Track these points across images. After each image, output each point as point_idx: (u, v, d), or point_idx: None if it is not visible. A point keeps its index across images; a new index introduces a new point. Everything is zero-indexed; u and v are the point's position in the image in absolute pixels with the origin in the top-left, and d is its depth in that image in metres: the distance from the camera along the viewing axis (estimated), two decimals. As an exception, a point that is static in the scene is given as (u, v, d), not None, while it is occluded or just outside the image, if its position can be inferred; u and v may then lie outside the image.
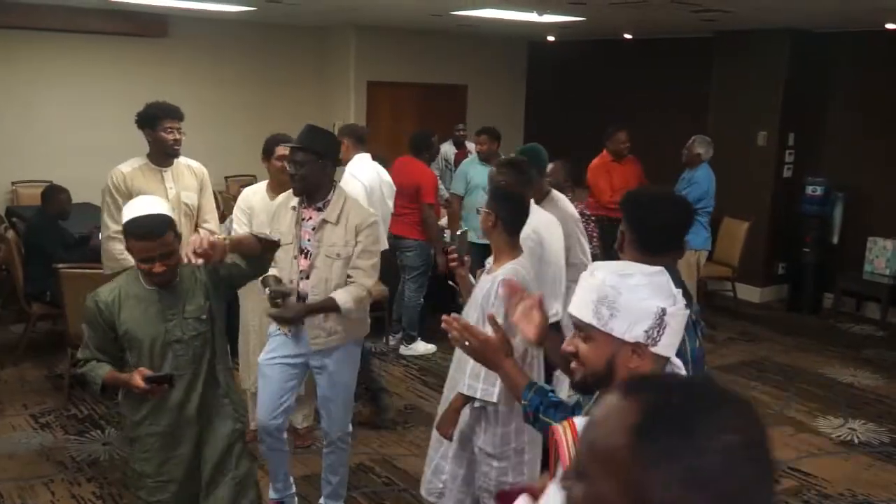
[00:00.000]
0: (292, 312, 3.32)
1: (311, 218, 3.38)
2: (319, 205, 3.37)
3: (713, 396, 0.91)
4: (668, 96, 8.84)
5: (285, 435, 3.64)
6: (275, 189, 4.26)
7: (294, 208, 3.40)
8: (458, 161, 7.44)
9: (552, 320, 2.57)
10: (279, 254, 3.25)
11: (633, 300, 1.54)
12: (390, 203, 5.36)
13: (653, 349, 1.56)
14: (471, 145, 7.53)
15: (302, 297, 3.38)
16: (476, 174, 6.13)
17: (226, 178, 8.73)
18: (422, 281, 6.10)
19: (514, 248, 3.03)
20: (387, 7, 7.09)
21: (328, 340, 3.42)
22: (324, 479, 3.74)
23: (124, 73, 8.15)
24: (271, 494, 3.72)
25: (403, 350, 6.16)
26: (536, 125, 10.60)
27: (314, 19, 8.76)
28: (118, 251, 3.81)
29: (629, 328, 1.54)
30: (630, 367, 1.55)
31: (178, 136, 4.10)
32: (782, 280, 8.06)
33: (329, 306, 3.30)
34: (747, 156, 7.79)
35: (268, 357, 3.51)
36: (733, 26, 7.58)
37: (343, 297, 3.29)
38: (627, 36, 8.82)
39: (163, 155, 4.13)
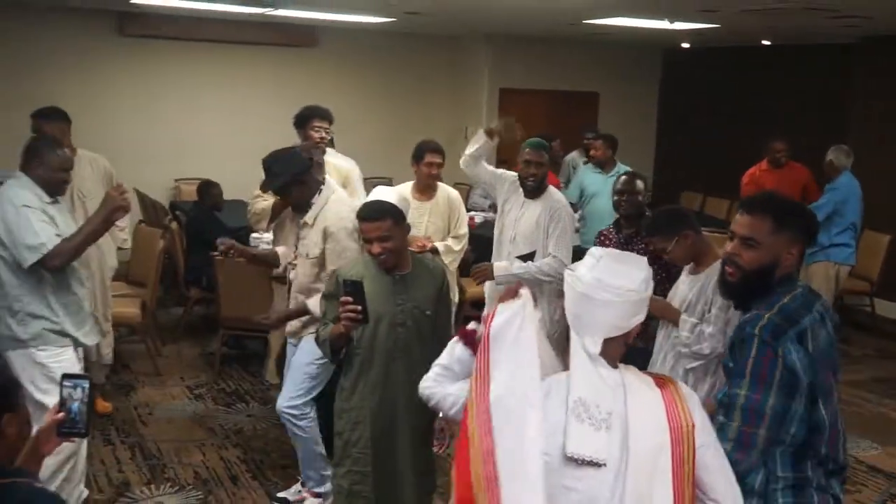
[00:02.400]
0: (273, 319, 3.76)
1: (302, 218, 3.71)
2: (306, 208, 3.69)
3: None
4: (807, 103, 8.60)
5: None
6: (421, 191, 4.65)
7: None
8: (590, 167, 7.51)
9: None
10: (282, 250, 3.86)
11: None
12: None
13: None
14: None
15: (289, 285, 3.78)
16: (592, 181, 6.21)
17: (363, 179, 9.21)
18: None
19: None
20: (519, 17, 7.32)
21: (291, 331, 3.78)
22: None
23: (276, 81, 8.79)
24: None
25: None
26: (670, 132, 10.54)
27: (450, 29, 9.12)
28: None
29: None
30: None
31: (324, 136, 4.53)
32: (925, 296, 7.68)
33: (301, 311, 3.64)
34: (889, 166, 7.48)
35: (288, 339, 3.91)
36: (877, 32, 7.31)
37: (313, 303, 3.52)
38: (765, 42, 8.65)
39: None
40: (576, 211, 6.18)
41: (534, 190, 4.22)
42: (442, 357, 2.24)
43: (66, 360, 3.39)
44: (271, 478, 4.22)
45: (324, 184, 3.73)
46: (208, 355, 5.98)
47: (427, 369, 3.05)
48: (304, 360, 3.72)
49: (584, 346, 1.84)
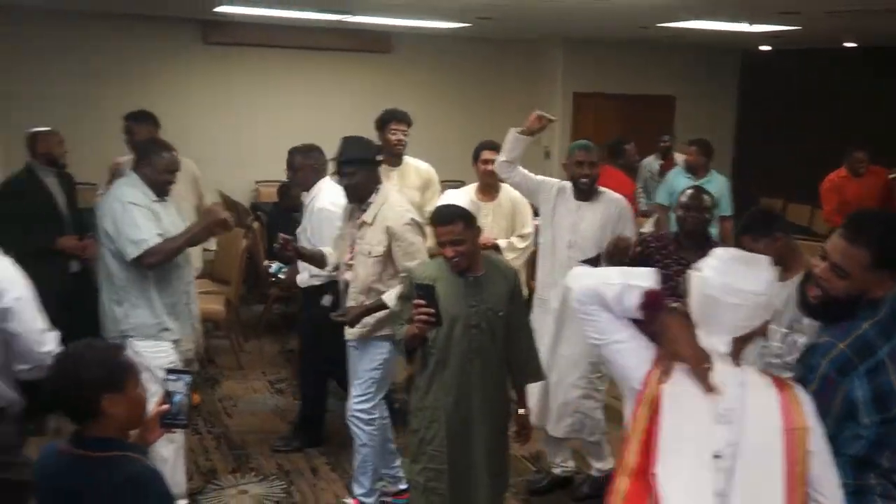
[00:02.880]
0: (351, 316, 3.66)
1: (359, 217, 3.70)
2: (364, 206, 3.69)
3: None
4: (894, 107, 8.35)
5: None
6: (482, 191, 4.67)
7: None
8: (663, 172, 7.43)
9: None
10: (339, 242, 3.86)
11: None
12: None
13: None
14: (679, 157, 7.54)
15: (345, 286, 3.75)
16: (681, 185, 6.15)
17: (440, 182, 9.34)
18: None
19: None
20: (593, 20, 7.31)
21: (359, 332, 3.73)
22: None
23: (351, 87, 8.99)
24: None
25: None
26: (748, 136, 10.35)
27: (523, 33, 9.16)
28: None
29: None
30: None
31: (401, 138, 4.65)
32: None
33: (378, 306, 3.62)
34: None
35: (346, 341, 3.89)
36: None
37: (389, 297, 3.57)
38: (849, 44, 8.43)
39: (389, 154, 4.68)
40: (667, 216, 6.13)
41: (587, 191, 3.98)
42: (609, 284, 1.99)
43: (164, 353, 3.55)
44: (349, 470, 4.33)
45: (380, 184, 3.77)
46: (288, 352, 6.17)
47: (502, 369, 3.14)
48: (369, 365, 3.77)
49: (713, 345, 1.90)
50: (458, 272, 3.02)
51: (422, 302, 2.86)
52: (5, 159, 7.26)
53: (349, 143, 3.72)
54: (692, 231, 3.71)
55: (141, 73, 8.17)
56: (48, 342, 2.73)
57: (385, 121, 4.66)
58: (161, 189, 3.63)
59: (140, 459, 2.02)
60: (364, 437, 3.80)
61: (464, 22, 7.70)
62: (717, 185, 5.99)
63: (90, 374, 1.95)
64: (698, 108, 10.02)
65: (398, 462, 4.02)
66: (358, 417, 3.79)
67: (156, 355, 3.51)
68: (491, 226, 4.59)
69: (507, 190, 4.67)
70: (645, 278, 1.97)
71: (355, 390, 3.82)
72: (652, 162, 7.82)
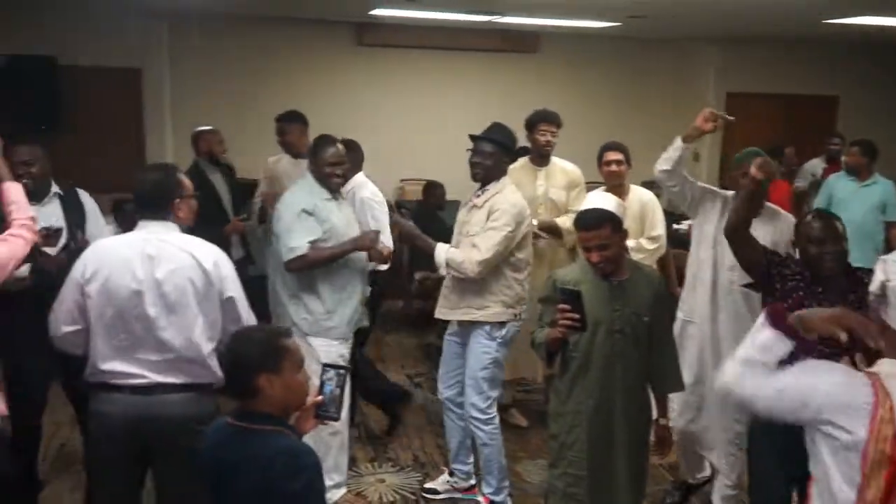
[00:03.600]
0: (406, 227, 3.90)
1: (473, 201, 3.80)
2: (479, 191, 3.77)
3: None
4: None
5: (460, 409, 3.95)
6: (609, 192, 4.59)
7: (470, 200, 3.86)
8: (826, 176, 7.03)
9: None
10: (463, 241, 3.79)
11: None
12: None
13: None
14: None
15: None
16: (842, 187, 5.81)
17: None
18: None
19: None
20: (751, 17, 7.00)
21: (449, 314, 3.84)
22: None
23: (498, 87, 9.02)
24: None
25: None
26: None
27: (675, 32, 8.89)
28: None
29: None
30: None
31: (549, 139, 4.65)
32: None
33: (429, 248, 3.76)
34: None
35: (447, 333, 4.01)
36: None
37: (441, 250, 3.70)
38: None
39: (537, 155, 4.69)
40: None
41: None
42: (743, 348, 1.95)
43: (335, 351, 3.69)
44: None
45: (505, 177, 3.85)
46: (426, 346, 6.30)
47: (643, 375, 3.06)
48: (478, 366, 3.80)
49: None
50: (603, 276, 2.99)
51: (567, 307, 2.83)
52: (174, 157, 7.85)
53: (498, 126, 3.85)
54: (832, 272, 2.94)
55: (297, 74, 8.56)
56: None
57: (534, 121, 4.68)
58: (329, 183, 3.74)
59: (293, 435, 2.14)
60: (484, 436, 3.84)
61: (614, 21, 7.57)
62: (883, 188, 5.72)
63: (248, 353, 2.10)
64: (865, 109, 9.35)
65: (471, 459, 4.07)
66: (475, 418, 3.83)
67: (326, 351, 3.64)
68: None
69: (636, 191, 4.62)
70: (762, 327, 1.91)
71: (469, 393, 3.84)
72: (816, 165, 7.37)
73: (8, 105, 6.92)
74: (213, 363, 2.76)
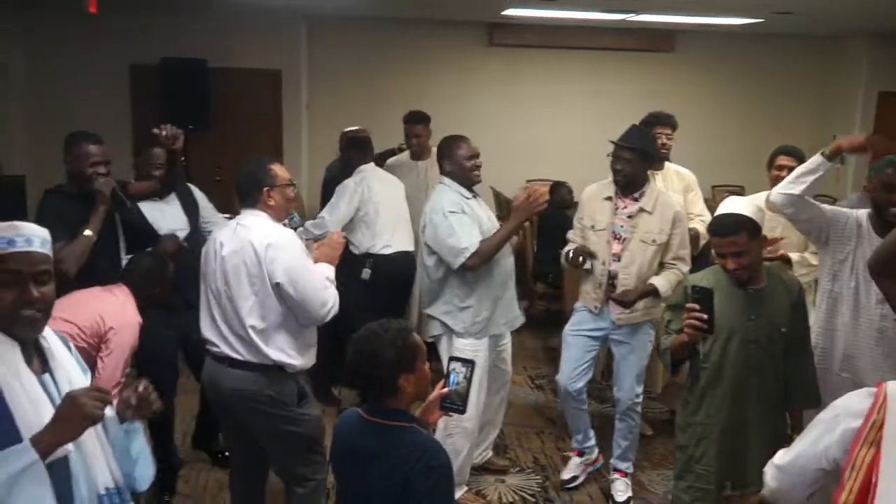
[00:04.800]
0: (632, 297, 3.74)
1: (625, 206, 3.81)
2: (635, 195, 3.80)
3: None
4: None
5: (584, 396, 4.10)
6: None
7: (610, 199, 3.84)
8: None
9: None
10: (592, 237, 3.85)
11: None
12: None
13: None
14: None
15: (612, 277, 3.83)
16: None
17: (713, 186, 8.90)
18: None
19: None
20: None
21: (630, 317, 3.84)
22: (615, 442, 4.08)
23: (631, 87, 8.83)
24: (573, 444, 4.27)
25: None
26: None
27: (822, 28, 8.42)
28: None
29: None
30: None
31: (665, 141, 4.50)
32: None
33: (651, 291, 3.75)
34: None
35: (573, 329, 4.03)
36: None
37: (662, 282, 3.74)
38: None
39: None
40: None
41: None
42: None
43: (480, 352, 3.72)
44: (605, 475, 4.30)
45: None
46: (549, 349, 6.25)
47: (779, 388, 2.91)
48: (641, 355, 3.97)
49: None
50: (738, 284, 2.87)
51: (695, 306, 2.74)
52: (309, 154, 8.14)
53: (636, 131, 3.89)
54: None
55: (426, 74, 8.71)
56: (328, 301, 3.00)
57: (649, 124, 4.54)
58: (467, 180, 3.81)
59: (424, 432, 2.19)
60: (636, 424, 4.05)
61: (756, 17, 7.25)
62: None
63: (388, 357, 2.13)
64: None
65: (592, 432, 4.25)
66: (636, 407, 4.00)
67: (475, 353, 3.66)
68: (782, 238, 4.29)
69: None
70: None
71: (633, 385, 3.97)
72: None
73: (162, 104, 7.42)
74: (262, 345, 2.95)
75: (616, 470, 4.10)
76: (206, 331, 3.07)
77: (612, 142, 3.85)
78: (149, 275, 3.40)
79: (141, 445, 2.04)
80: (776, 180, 3.99)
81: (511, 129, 8.87)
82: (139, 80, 7.85)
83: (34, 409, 1.74)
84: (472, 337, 3.76)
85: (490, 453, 4.35)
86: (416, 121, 5.39)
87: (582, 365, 4.00)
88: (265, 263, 2.90)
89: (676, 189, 4.60)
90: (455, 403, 2.31)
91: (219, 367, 3.03)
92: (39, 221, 1.98)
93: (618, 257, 3.83)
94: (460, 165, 3.79)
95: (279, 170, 3.07)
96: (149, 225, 3.80)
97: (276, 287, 2.92)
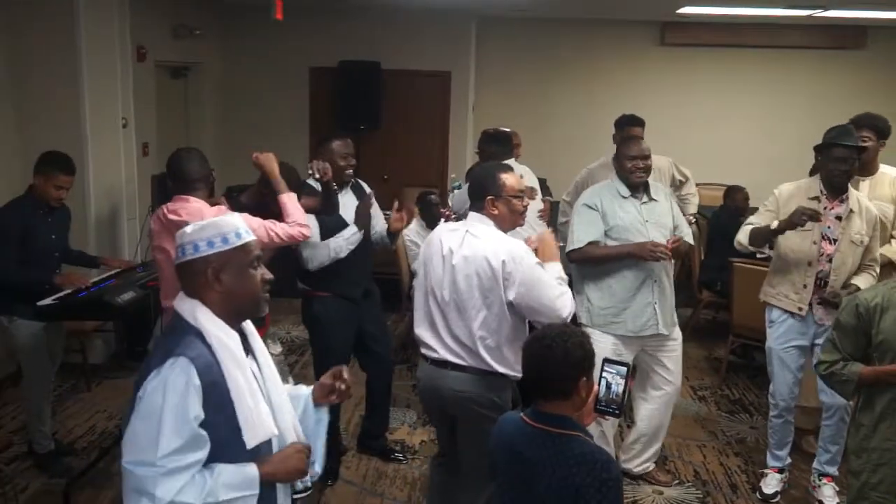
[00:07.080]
0: (843, 297, 3.43)
1: (832, 208, 3.76)
2: (842, 197, 3.75)
3: None
4: None
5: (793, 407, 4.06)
6: None
7: (816, 198, 3.77)
8: None
9: None
10: (793, 237, 3.75)
11: None
12: None
13: None
14: None
15: (822, 279, 3.76)
16: None
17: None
18: None
19: None
20: None
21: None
22: (821, 447, 3.99)
23: (814, 86, 8.32)
24: (772, 462, 4.13)
25: None
26: None
27: None
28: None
29: None
30: None
31: (866, 146, 4.00)
32: None
33: (855, 292, 3.49)
34: None
35: (782, 345, 3.92)
36: None
37: (863, 283, 3.67)
38: None
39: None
40: None
41: None
42: None
43: (602, 345, 3.69)
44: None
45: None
46: (713, 360, 6.00)
47: None
48: None
49: None
50: None
51: None
52: (472, 156, 8.22)
53: (843, 130, 3.77)
54: None
55: (594, 75, 8.58)
56: (564, 309, 2.88)
57: (858, 125, 4.20)
58: (630, 179, 3.78)
59: (592, 442, 2.15)
60: (847, 424, 3.83)
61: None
62: None
63: (576, 356, 2.11)
64: None
65: None
66: (846, 411, 3.85)
67: (598, 345, 3.61)
68: None
69: None
70: None
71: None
72: None
73: (337, 104, 7.79)
74: (488, 356, 2.92)
75: (824, 475, 4.02)
76: (425, 336, 3.04)
77: (839, 144, 3.68)
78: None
79: (323, 432, 2.14)
80: None
81: (683, 131, 8.57)
82: (317, 80, 8.27)
83: (253, 401, 1.86)
84: (597, 328, 3.79)
85: (652, 465, 4.24)
86: (636, 123, 5.37)
87: (797, 382, 4.00)
88: (500, 279, 2.86)
89: (884, 197, 4.09)
90: (610, 407, 2.27)
91: (438, 372, 3.00)
92: None
93: (829, 258, 3.76)
94: (621, 164, 3.84)
95: (508, 179, 2.98)
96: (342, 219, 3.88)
97: (510, 305, 2.89)
